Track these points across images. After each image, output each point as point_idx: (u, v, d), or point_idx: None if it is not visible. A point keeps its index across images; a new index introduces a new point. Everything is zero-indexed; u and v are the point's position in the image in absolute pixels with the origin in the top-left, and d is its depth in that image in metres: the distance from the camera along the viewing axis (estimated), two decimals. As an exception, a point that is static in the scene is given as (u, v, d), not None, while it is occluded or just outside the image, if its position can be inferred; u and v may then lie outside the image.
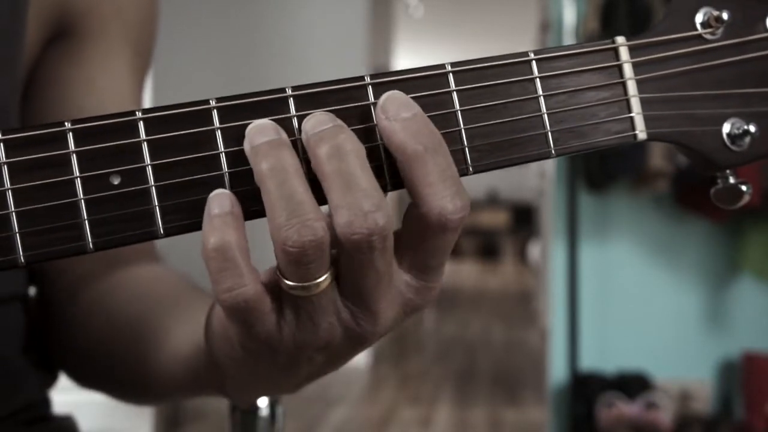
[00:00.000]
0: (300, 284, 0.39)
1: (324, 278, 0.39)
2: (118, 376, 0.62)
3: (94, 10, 0.65)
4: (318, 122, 0.40)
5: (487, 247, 10.87)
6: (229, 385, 0.49)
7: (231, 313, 0.40)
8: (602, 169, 2.85)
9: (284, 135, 0.40)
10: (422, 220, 0.40)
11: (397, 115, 0.40)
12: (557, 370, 3.10)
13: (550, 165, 3.72)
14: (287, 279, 0.39)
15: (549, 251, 3.50)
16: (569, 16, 3.02)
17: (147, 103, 0.94)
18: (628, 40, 0.45)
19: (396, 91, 0.41)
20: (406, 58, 9.64)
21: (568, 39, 3.01)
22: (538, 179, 6.25)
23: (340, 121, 0.40)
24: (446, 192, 0.39)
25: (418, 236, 0.40)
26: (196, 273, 0.57)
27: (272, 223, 0.38)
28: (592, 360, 3.04)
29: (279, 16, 4.52)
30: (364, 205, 0.37)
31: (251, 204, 0.40)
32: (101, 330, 0.62)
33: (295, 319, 0.41)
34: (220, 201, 0.39)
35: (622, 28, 2.82)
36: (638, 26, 2.81)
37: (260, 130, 0.40)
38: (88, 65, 0.65)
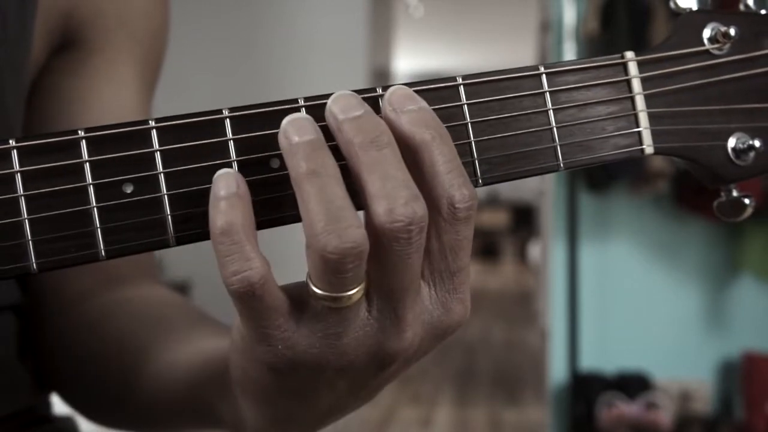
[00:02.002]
0: (330, 294, 0.38)
1: (356, 290, 0.38)
2: (104, 395, 0.60)
3: (99, 20, 0.64)
4: (348, 106, 0.39)
5: (487, 247, 10.85)
6: (249, 425, 0.46)
7: (239, 301, 0.38)
8: (602, 169, 2.86)
9: (321, 134, 0.39)
10: (431, 211, 0.39)
11: (403, 106, 0.40)
12: (557, 370, 3.10)
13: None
14: (318, 288, 0.38)
15: (549, 251, 3.50)
16: (569, 16, 3.02)
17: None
18: (631, 47, 0.46)
19: (401, 85, 0.41)
20: (406, 58, 9.62)
21: (568, 39, 3.01)
22: (538, 179, 6.25)
23: (369, 107, 0.39)
24: (453, 182, 0.39)
25: (430, 235, 0.39)
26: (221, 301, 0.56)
27: (310, 229, 0.37)
28: (592, 360, 3.05)
29: (279, 17, 4.52)
30: (403, 194, 0.37)
31: (263, 213, 0.40)
32: (94, 347, 0.60)
33: (319, 330, 0.39)
34: (227, 182, 0.38)
35: (621, 29, 2.83)
36: (638, 26, 2.82)
37: (299, 127, 0.38)
38: (91, 76, 0.64)
